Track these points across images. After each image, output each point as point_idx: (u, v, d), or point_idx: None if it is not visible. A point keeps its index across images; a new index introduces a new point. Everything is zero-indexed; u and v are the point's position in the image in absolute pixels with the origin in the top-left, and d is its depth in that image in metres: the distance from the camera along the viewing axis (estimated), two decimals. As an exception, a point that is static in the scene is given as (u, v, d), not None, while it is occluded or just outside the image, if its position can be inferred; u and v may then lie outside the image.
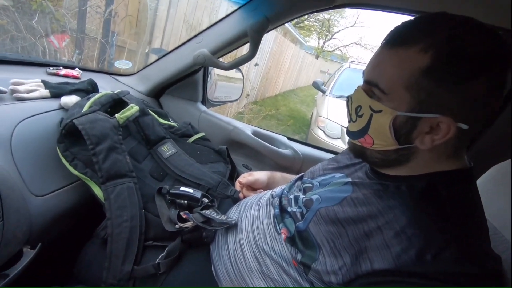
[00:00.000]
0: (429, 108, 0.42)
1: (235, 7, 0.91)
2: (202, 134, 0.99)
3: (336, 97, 3.82)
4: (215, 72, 1.33)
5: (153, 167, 0.80)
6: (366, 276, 0.43)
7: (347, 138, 0.55)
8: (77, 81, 0.88)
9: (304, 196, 0.59)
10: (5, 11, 1.81)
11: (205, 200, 0.71)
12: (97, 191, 0.66)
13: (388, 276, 0.41)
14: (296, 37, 9.94)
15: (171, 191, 0.70)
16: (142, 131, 0.83)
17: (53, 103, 0.74)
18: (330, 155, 1.07)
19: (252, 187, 0.81)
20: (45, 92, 0.74)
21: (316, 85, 4.57)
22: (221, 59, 0.98)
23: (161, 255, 0.63)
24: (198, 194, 0.70)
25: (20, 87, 0.70)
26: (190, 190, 0.71)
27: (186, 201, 0.69)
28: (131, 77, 1.14)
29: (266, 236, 0.58)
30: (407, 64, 0.42)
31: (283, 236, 0.55)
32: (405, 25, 0.45)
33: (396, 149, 0.47)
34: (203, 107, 1.18)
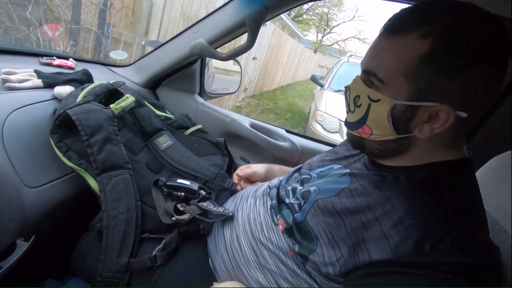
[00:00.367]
0: (428, 96, 0.41)
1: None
2: (199, 126, 0.98)
3: (334, 91, 3.80)
4: (213, 64, 1.31)
5: (150, 159, 0.79)
6: (364, 267, 0.43)
7: (345, 132, 0.54)
8: (71, 71, 0.86)
9: (302, 187, 0.59)
10: (-2, 2, 1.78)
11: (202, 192, 0.71)
12: (92, 183, 0.65)
13: (386, 266, 0.41)
14: (294, 31, 9.87)
15: (168, 183, 0.69)
16: (138, 123, 0.81)
17: (46, 93, 0.73)
18: (328, 148, 1.07)
19: (250, 180, 0.81)
20: (38, 82, 0.73)
21: (314, 79, 4.55)
22: (219, 50, 0.96)
23: (157, 247, 0.62)
24: (195, 186, 0.70)
25: (12, 77, 0.69)
26: (187, 182, 0.70)
27: (183, 193, 0.69)
28: (127, 68, 1.12)
29: (263, 227, 0.57)
30: (406, 52, 0.41)
31: (280, 227, 0.55)
32: (403, 12, 0.43)
33: (394, 139, 0.46)
34: (200, 99, 1.17)
